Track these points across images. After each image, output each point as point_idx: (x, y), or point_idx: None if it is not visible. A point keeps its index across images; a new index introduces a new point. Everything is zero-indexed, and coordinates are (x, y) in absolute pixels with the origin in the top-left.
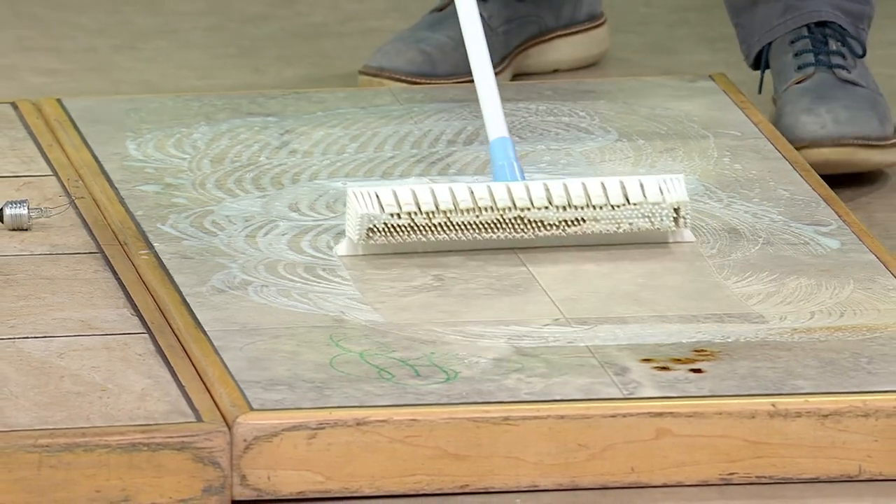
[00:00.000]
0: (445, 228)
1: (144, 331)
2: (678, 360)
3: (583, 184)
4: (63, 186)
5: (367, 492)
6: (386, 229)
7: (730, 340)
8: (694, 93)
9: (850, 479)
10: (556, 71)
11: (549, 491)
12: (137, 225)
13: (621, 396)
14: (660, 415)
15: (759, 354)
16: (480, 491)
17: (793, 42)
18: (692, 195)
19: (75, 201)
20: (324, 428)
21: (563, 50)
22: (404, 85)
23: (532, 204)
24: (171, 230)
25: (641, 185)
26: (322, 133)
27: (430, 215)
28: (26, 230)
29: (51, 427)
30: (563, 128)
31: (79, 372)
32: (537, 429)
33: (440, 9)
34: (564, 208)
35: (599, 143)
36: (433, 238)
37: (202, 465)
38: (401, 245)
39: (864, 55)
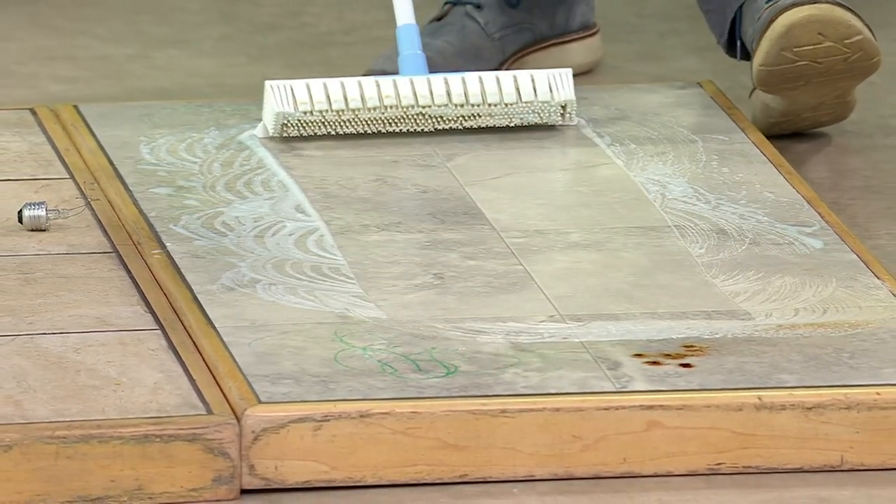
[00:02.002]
0: (353, 124)
1: (157, 327)
2: (668, 355)
3: (480, 80)
4: (79, 189)
5: (370, 481)
6: (299, 124)
7: (718, 336)
8: (683, 99)
9: (832, 469)
10: None
11: (545, 480)
12: (150, 226)
13: (614, 390)
14: (651, 407)
15: (746, 350)
16: (479, 480)
17: None
18: (682, 197)
19: (91, 203)
20: (329, 420)
21: (559, 58)
22: None
23: (433, 101)
24: (182, 231)
25: (533, 82)
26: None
27: (340, 112)
28: (44, 231)
29: (67, 419)
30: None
31: (94, 366)
32: (533, 421)
33: (439, 18)
34: (462, 105)
35: (595, 148)
36: (342, 131)
37: (212, 455)
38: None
39: None
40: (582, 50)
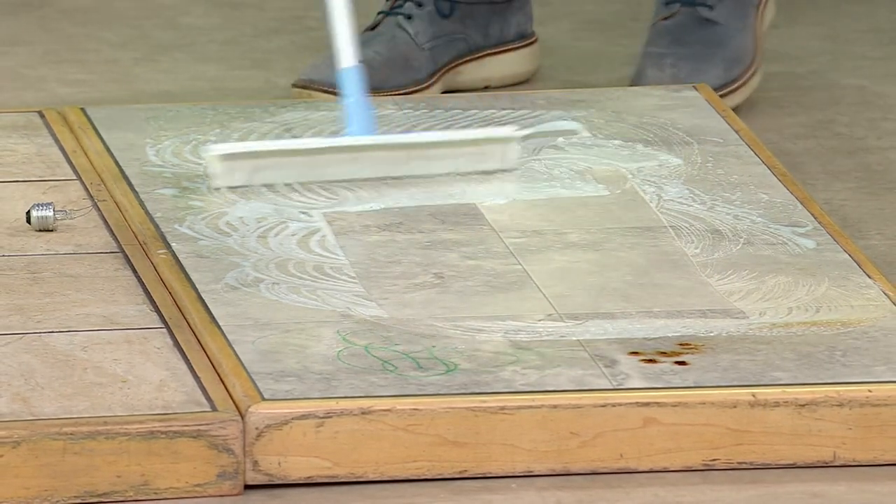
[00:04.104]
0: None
1: (162, 325)
2: (664, 353)
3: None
4: (86, 190)
5: (371, 477)
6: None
7: (713, 335)
8: (679, 102)
9: (825, 465)
10: (486, 88)
11: (543, 476)
12: (156, 226)
13: (611, 387)
14: (647, 404)
15: (741, 348)
16: (478, 476)
17: None
18: (678, 198)
19: (98, 204)
20: (331, 417)
21: (493, 68)
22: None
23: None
24: (187, 231)
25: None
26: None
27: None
28: (52, 231)
29: (74, 416)
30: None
31: (101, 364)
32: (532, 417)
33: (372, 27)
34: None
35: (593, 151)
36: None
37: (217, 451)
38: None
39: None
40: (517, 60)
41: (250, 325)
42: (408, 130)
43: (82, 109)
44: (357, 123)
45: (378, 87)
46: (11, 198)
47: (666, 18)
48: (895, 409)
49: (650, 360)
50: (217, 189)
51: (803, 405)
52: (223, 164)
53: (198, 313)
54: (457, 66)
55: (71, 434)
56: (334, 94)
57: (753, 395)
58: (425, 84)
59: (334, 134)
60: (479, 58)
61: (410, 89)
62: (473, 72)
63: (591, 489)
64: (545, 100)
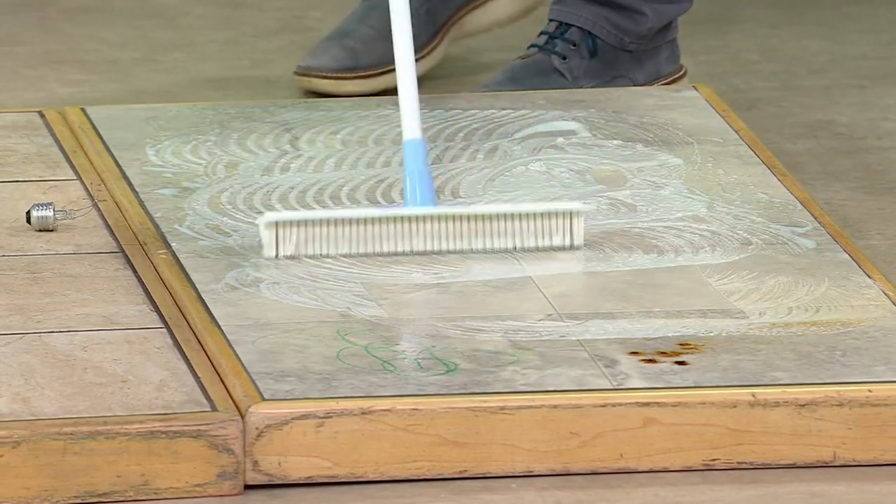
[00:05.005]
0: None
1: (162, 325)
2: (664, 353)
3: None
4: (86, 190)
5: (371, 477)
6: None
7: (712, 335)
8: (679, 102)
9: (825, 465)
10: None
11: (543, 476)
12: (156, 226)
13: (611, 387)
14: (647, 404)
15: (740, 348)
16: (478, 476)
17: (550, 20)
18: (675, 197)
19: (98, 204)
20: (331, 417)
21: (498, 8)
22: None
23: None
24: (187, 231)
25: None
26: (328, 140)
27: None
28: (52, 231)
29: (75, 416)
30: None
31: (101, 364)
32: (532, 417)
33: None
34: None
35: (594, 151)
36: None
37: (217, 451)
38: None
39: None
40: (510, 2)
41: (250, 325)
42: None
43: (82, 109)
44: (417, 195)
45: (374, 64)
46: (11, 198)
47: (523, 58)
48: (895, 409)
49: (650, 360)
50: (269, 258)
51: (803, 405)
52: (273, 232)
53: (198, 313)
54: (459, 18)
55: (71, 434)
56: (331, 78)
57: (753, 395)
58: (429, 48)
59: (391, 205)
60: (480, 5)
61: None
62: (478, 19)
63: (591, 489)
64: (545, 100)
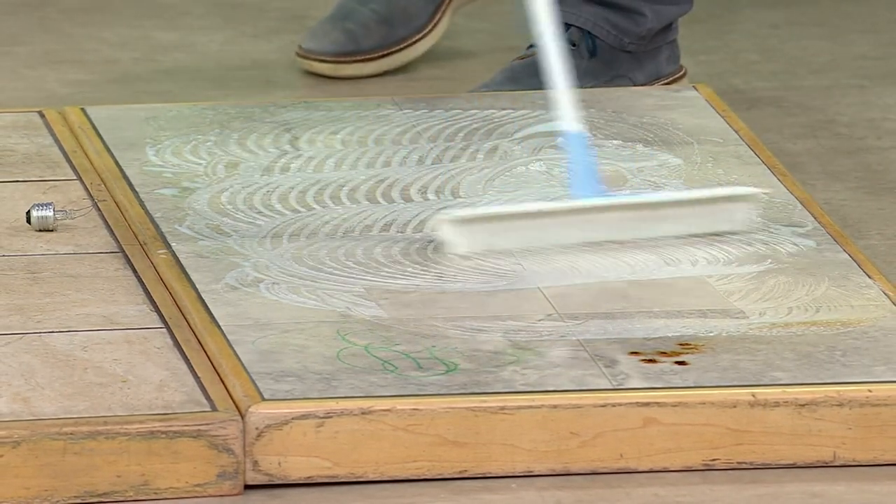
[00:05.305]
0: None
1: (162, 325)
2: (664, 353)
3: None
4: (86, 190)
5: (371, 477)
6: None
7: (712, 335)
8: (679, 102)
9: (825, 465)
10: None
11: (543, 476)
12: (156, 226)
13: (611, 387)
14: (647, 404)
15: (740, 348)
16: (478, 476)
17: None
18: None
19: (98, 204)
20: (331, 417)
21: None
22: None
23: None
24: (187, 231)
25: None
26: (328, 140)
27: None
28: (52, 231)
29: (75, 416)
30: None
31: (101, 364)
32: (532, 417)
33: None
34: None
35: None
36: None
37: (217, 451)
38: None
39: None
40: None
41: (250, 326)
42: (627, 190)
43: (82, 109)
44: (584, 186)
45: (374, 48)
46: (11, 198)
47: (523, 58)
48: (895, 409)
49: (650, 360)
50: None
51: (803, 405)
52: (454, 229)
53: (198, 313)
54: None
55: (71, 434)
56: (330, 62)
57: (753, 395)
58: (429, 28)
59: (555, 197)
60: None
61: (416, 38)
62: None
63: (591, 489)
64: (545, 100)
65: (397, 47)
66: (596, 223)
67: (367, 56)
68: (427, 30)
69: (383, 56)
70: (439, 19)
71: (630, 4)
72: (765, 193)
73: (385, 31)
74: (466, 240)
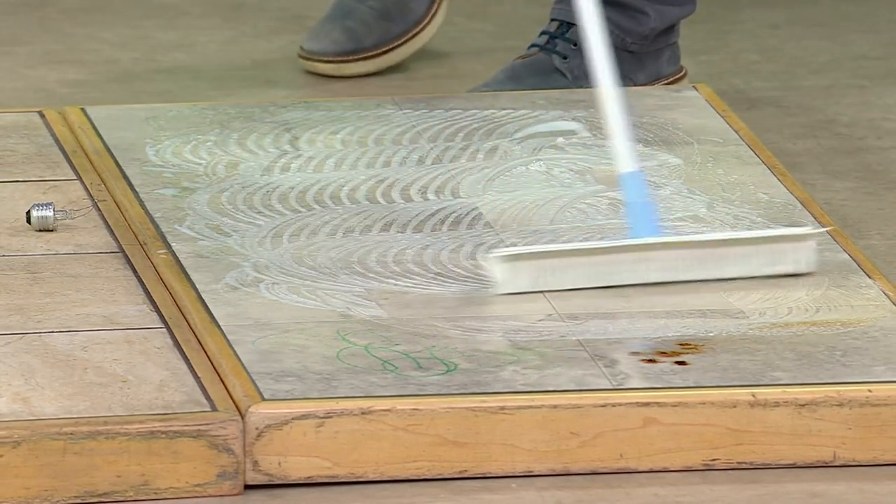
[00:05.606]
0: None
1: (162, 325)
2: (664, 353)
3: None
4: (86, 190)
5: (371, 477)
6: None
7: (712, 335)
8: (679, 102)
9: (825, 465)
10: None
11: (543, 476)
12: (156, 226)
13: (611, 387)
14: (647, 404)
15: (740, 348)
16: (478, 476)
17: (552, 20)
18: (674, 196)
19: (98, 204)
20: (331, 417)
21: None
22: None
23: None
24: (187, 231)
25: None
26: (328, 140)
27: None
28: (52, 231)
29: (75, 416)
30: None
31: (101, 364)
32: (532, 417)
33: None
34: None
35: (594, 151)
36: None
37: (217, 451)
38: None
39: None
40: None
41: (250, 326)
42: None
43: (82, 109)
44: (642, 226)
45: (376, 44)
46: (11, 198)
47: (524, 58)
48: (895, 409)
49: (650, 360)
50: (502, 293)
51: (803, 405)
52: (504, 267)
53: (198, 313)
54: None
55: (71, 434)
56: (333, 62)
57: (753, 395)
58: (427, 19)
59: (616, 237)
60: None
61: (415, 31)
62: None
63: (591, 489)
64: (545, 100)
65: (398, 42)
66: (653, 262)
67: (369, 54)
68: (425, 21)
69: (385, 52)
70: (436, 10)
71: (633, 3)
72: (826, 230)
73: (385, 26)
74: (516, 278)
